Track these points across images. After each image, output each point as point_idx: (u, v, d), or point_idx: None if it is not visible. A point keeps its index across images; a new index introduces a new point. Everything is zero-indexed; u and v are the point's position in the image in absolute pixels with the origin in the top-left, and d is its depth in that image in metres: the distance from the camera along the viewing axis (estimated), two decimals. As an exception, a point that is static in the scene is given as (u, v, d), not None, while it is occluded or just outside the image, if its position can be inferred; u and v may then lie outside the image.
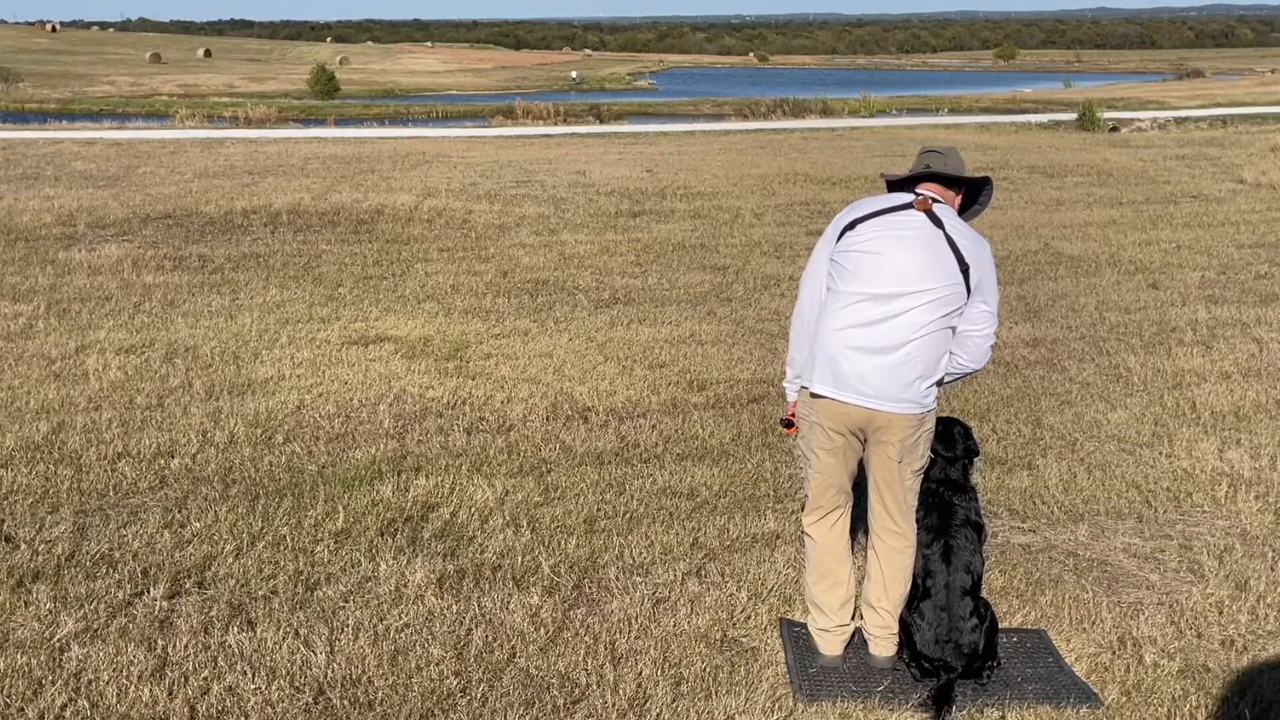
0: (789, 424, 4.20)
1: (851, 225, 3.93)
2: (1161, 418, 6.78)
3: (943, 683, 3.89)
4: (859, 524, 4.31)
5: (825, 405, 3.93)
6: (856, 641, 4.21)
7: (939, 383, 3.94)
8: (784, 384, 4.20)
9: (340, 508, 5.28)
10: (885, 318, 3.81)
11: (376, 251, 11.93)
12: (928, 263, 3.81)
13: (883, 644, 4.13)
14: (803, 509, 4.23)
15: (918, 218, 3.88)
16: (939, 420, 4.13)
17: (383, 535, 5.03)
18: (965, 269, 3.82)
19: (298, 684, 3.88)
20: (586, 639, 4.20)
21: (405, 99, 64.62)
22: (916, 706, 3.87)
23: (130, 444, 6.12)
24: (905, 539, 4.06)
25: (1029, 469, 5.96)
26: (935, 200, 3.95)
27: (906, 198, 3.96)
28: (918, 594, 4.06)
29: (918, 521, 4.10)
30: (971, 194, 4.14)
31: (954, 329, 3.89)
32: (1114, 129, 29.44)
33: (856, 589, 4.22)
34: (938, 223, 3.87)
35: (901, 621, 4.08)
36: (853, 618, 4.20)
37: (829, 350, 3.89)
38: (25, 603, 4.36)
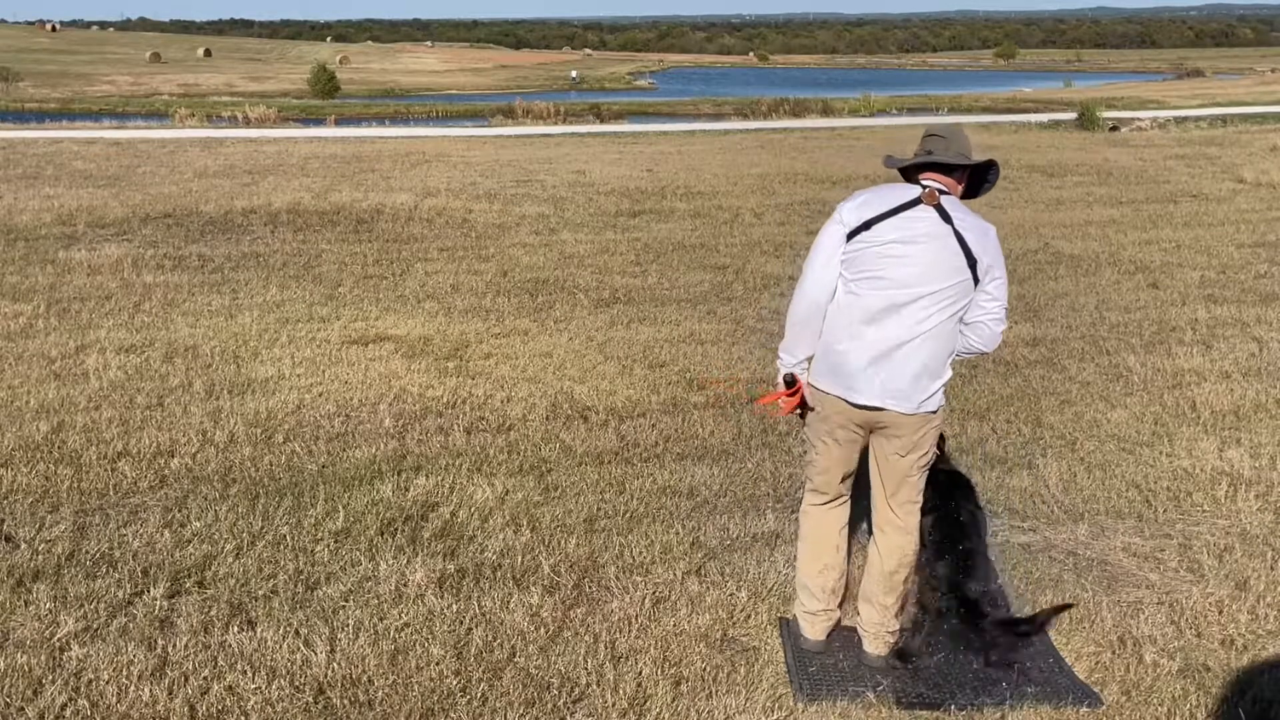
0: (791, 383, 4.06)
1: (866, 225, 3.86)
2: (1161, 417, 6.77)
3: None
4: (861, 520, 4.31)
5: (832, 402, 3.97)
6: (855, 640, 4.21)
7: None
8: (782, 359, 4.05)
9: (340, 507, 5.28)
10: (893, 317, 3.82)
11: (376, 251, 11.93)
12: (937, 263, 3.81)
13: (877, 642, 4.13)
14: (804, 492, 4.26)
15: (928, 214, 3.84)
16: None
17: (383, 535, 5.03)
18: (974, 263, 3.83)
19: (298, 683, 3.88)
20: (586, 639, 4.20)
21: (405, 99, 64.72)
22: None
23: (130, 443, 6.12)
24: (907, 532, 4.07)
25: (1029, 469, 5.95)
26: (942, 192, 3.90)
27: (914, 191, 3.90)
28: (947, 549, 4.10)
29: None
30: (977, 173, 4.06)
31: (962, 320, 3.91)
32: (1114, 128, 29.45)
33: (847, 580, 4.23)
34: (946, 218, 3.84)
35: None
36: (840, 606, 4.22)
37: (837, 348, 3.90)
38: (25, 602, 4.36)
